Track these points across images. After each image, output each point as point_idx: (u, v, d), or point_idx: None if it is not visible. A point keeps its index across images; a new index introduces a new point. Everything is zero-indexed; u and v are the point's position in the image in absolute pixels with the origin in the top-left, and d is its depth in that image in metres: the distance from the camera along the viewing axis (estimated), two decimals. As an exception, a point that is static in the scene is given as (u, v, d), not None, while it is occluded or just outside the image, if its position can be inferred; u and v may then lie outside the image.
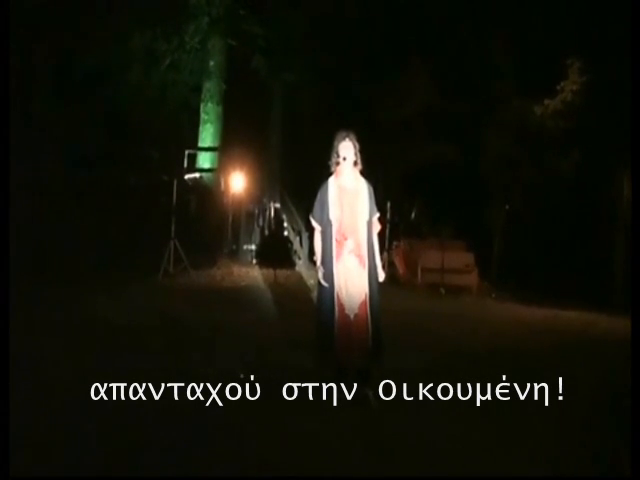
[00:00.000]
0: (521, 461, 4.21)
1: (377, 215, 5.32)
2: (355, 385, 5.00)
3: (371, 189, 5.27)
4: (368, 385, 5.07)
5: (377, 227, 5.34)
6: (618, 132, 14.46)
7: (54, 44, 13.19)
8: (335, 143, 5.24)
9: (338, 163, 5.22)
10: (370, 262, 5.13)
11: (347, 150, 5.18)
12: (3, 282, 4.24)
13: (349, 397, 4.96)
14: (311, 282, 11.94)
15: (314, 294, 5.97)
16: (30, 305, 7.29)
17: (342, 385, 5.00)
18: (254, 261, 14.16)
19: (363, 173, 5.32)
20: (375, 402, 4.98)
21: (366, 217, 5.16)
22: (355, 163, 5.22)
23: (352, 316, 5.03)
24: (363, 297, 5.06)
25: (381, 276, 5.21)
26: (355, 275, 5.07)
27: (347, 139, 5.20)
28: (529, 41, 15.29)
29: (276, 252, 13.91)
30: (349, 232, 5.09)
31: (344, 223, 5.10)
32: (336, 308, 5.04)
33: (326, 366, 5.19)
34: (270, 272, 12.80)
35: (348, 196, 5.15)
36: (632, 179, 6.66)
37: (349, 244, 5.09)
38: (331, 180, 5.23)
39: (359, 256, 5.09)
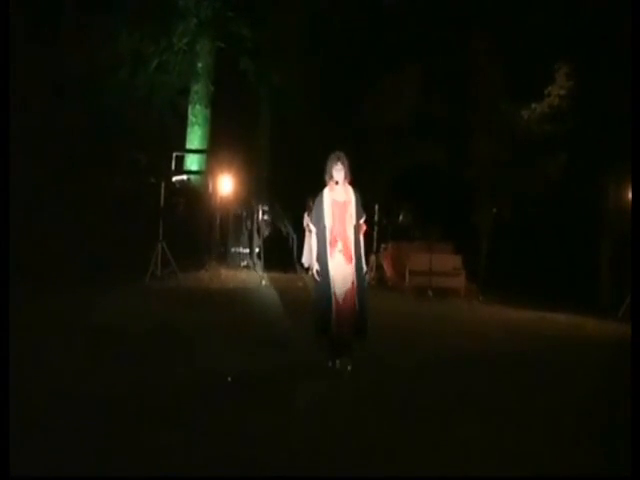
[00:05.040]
0: (519, 461, 4.22)
1: (363, 218, 6.42)
2: (340, 357, 6.13)
3: (358, 197, 6.36)
4: (349, 358, 6.13)
5: (363, 228, 6.44)
6: (605, 136, 14.59)
7: (41, 45, 13.10)
8: (328, 166, 6.29)
9: (331, 181, 6.29)
10: (356, 257, 6.25)
11: (339, 173, 6.24)
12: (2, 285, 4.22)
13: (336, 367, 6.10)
14: (299, 284, 11.95)
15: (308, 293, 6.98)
16: (14, 307, 7.22)
17: (331, 357, 6.15)
18: (244, 263, 14.12)
19: (352, 182, 6.36)
20: (350, 371, 6.05)
21: (354, 222, 6.29)
22: (345, 177, 6.28)
23: (341, 301, 6.14)
24: (350, 285, 6.17)
25: (365, 268, 6.42)
26: (343, 269, 6.20)
27: (339, 163, 6.27)
28: (517, 45, 15.36)
29: (278, 254, 13.97)
30: (339, 236, 6.24)
31: (335, 229, 6.24)
32: (329, 294, 6.13)
33: (322, 341, 6.25)
34: (259, 275, 12.80)
35: (339, 208, 6.28)
36: (632, 180, 6.70)
37: (339, 245, 6.24)
38: (326, 193, 6.34)
39: (346, 254, 6.23)
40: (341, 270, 6.18)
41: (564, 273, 15.21)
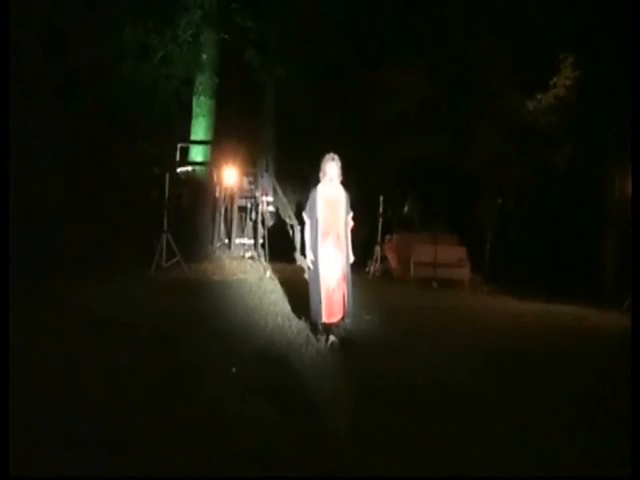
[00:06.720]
0: (518, 460, 4.21)
1: (351, 215, 7.19)
2: (330, 336, 6.94)
3: (348, 196, 7.18)
4: (336, 336, 6.97)
5: (351, 223, 7.20)
6: (610, 128, 14.53)
7: (46, 36, 13.09)
8: (323, 164, 7.06)
9: (325, 179, 7.05)
10: (345, 249, 7.06)
11: (333, 172, 7.02)
12: (3, 277, 4.23)
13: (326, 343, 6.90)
14: (304, 276, 11.95)
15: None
16: (18, 299, 7.24)
17: (323, 335, 6.99)
18: (248, 254, 14.11)
19: (344, 182, 7.17)
20: (337, 347, 6.84)
21: (344, 217, 7.09)
22: (338, 176, 7.03)
23: (331, 288, 6.97)
24: (340, 274, 7.01)
25: (351, 258, 7.20)
26: (334, 259, 7.01)
27: (333, 163, 7.02)
28: (523, 36, 15.29)
29: (283, 245, 13.96)
30: (330, 229, 7.03)
31: (327, 222, 7.02)
32: (321, 281, 6.95)
33: (316, 322, 7.07)
34: (263, 266, 12.81)
35: (331, 204, 7.05)
36: (632, 178, 6.70)
37: (331, 237, 7.03)
38: (320, 188, 7.11)
39: (338, 246, 7.03)
40: (332, 260, 6.98)
41: (569, 265, 15.18)
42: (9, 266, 4.77)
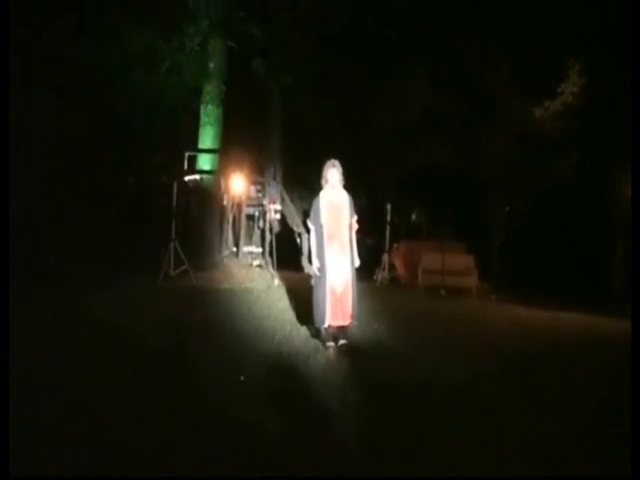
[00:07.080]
0: (519, 460, 4.22)
1: (355, 218, 7.26)
2: (338, 339, 7.09)
3: (351, 200, 7.25)
4: (345, 339, 7.13)
5: (355, 226, 7.28)
6: (617, 134, 14.50)
7: (53, 45, 13.16)
8: (324, 171, 7.19)
9: (327, 185, 7.17)
10: (350, 253, 7.14)
11: (334, 178, 7.14)
12: (3, 283, 4.24)
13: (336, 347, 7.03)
14: (312, 283, 11.94)
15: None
16: (24, 307, 7.26)
17: (330, 342, 7.06)
18: (257, 262, 14.13)
19: (348, 187, 7.32)
20: (346, 350, 6.95)
21: (348, 221, 7.17)
22: (339, 181, 7.14)
23: (339, 293, 7.05)
24: (346, 277, 7.07)
25: (356, 262, 7.22)
26: (339, 263, 7.08)
27: (334, 169, 7.14)
28: (529, 42, 15.29)
29: (291, 253, 13.96)
30: (335, 233, 7.11)
31: (331, 227, 7.11)
32: (327, 285, 7.01)
33: (320, 328, 7.16)
34: (271, 274, 12.82)
35: (334, 208, 7.14)
36: (632, 179, 6.70)
37: (335, 242, 7.10)
38: (322, 194, 7.22)
39: (343, 250, 7.10)
40: (338, 265, 7.05)
41: (577, 272, 15.13)
42: (9, 272, 4.78)
